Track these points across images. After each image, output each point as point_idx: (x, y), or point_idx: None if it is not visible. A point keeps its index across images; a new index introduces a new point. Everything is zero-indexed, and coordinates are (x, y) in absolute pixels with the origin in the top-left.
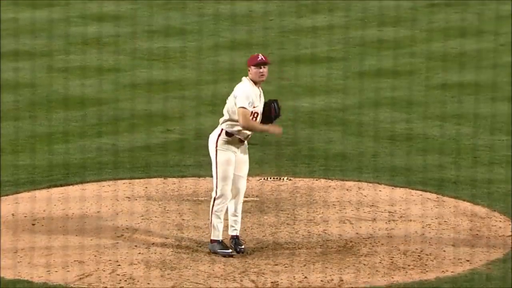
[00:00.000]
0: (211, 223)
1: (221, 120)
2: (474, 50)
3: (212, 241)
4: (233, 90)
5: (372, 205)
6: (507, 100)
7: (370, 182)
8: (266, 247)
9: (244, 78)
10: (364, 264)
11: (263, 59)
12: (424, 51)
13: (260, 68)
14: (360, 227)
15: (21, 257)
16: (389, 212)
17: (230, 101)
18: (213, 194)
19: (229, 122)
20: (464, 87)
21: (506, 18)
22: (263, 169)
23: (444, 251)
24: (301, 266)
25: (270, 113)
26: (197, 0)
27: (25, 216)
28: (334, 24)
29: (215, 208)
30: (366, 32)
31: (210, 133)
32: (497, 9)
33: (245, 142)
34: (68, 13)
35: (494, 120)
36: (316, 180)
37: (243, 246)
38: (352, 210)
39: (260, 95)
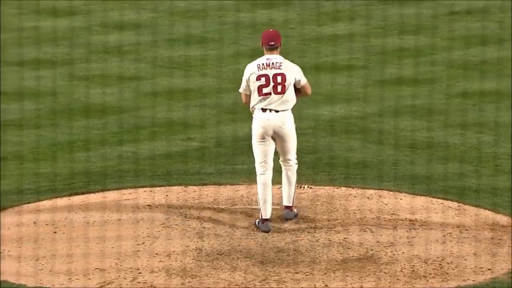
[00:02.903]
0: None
1: (290, 104)
2: (495, 58)
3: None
4: (285, 66)
5: (393, 213)
6: None
7: (390, 191)
8: (286, 255)
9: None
10: (385, 273)
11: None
12: (445, 59)
13: None
14: (381, 235)
15: (42, 264)
16: (410, 220)
17: (291, 79)
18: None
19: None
20: (485, 95)
21: None
22: None
23: (465, 259)
24: (321, 274)
25: None
26: (218, 8)
27: (47, 224)
28: (354, 32)
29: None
30: (386, 40)
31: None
32: None
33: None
34: (89, 21)
35: None
36: (337, 188)
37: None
38: (372, 218)
39: None
